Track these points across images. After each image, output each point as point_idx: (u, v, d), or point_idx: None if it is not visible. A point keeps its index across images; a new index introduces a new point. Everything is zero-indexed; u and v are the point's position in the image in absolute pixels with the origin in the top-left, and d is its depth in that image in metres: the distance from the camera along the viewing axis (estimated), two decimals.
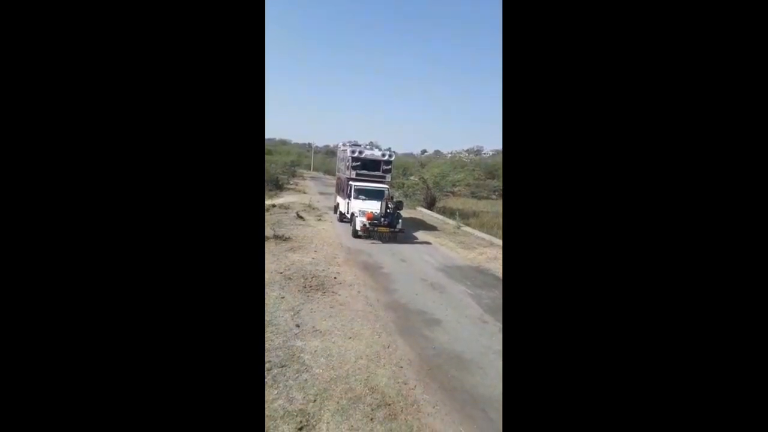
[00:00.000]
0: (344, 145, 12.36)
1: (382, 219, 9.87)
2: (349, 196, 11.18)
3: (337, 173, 14.66)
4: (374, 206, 10.24)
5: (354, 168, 11.47)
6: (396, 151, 12.12)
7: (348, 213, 11.14)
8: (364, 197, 10.88)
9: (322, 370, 3.74)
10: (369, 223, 9.69)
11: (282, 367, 3.70)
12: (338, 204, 12.58)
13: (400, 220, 10.17)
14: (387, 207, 9.99)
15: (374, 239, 9.85)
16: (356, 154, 11.48)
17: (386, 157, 11.89)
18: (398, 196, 14.76)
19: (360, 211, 10.20)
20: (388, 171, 12.02)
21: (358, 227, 9.88)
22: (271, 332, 4.34)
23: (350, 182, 11.28)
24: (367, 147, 11.98)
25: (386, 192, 11.25)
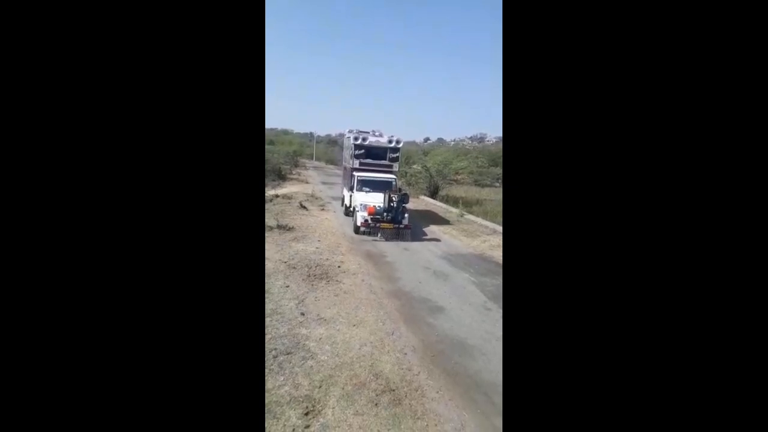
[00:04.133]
0: (349, 132, 11.26)
1: (385, 214, 8.81)
2: (351, 188, 10.16)
3: (343, 163, 13.50)
4: (380, 199, 9.05)
5: (357, 157, 10.32)
6: None
7: (351, 206, 10.14)
8: (368, 189, 9.82)
9: (327, 357, 3.80)
10: (371, 218, 8.76)
11: (288, 354, 3.75)
12: (344, 196, 11.56)
13: (406, 215, 9.07)
14: (391, 200, 8.84)
15: (376, 236, 8.90)
16: (359, 141, 10.26)
17: (393, 144, 10.57)
18: (401, 185, 14.07)
19: (361, 204, 9.15)
20: (395, 159, 10.70)
21: (358, 222, 8.95)
22: (276, 320, 4.40)
23: (354, 173, 10.23)
24: (373, 133, 10.75)
25: (393, 183, 10.06)
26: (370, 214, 8.81)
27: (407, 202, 9.29)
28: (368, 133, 10.67)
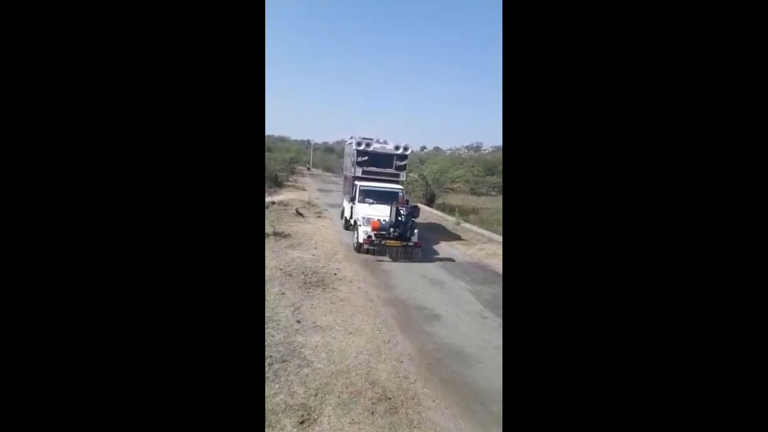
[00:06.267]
0: (351, 138, 10.09)
1: (392, 229, 7.69)
2: (353, 199, 9.07)
3: (343, 171, 12.28)
4: (385, 212, 7.96)
5: (360, 164, 9.30)
6: None
7: (352, 219, 9.07)
8: (371, 201, 8.81)
9: (323, 365, 3.77)
10: (375, 235, 7.69)
11: (283, 362, 3.72)
12: (344, 207, 10.54)
13: (415, 231, 7.89)
14: (398, 213, 7.72)
15: (381, 255, 7.90)
16: (363, 147, 9.23)
17: (400, 151, 9.49)
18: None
19: (364, 218, 8.07)
20: (402, 168, 9.64)
21: (360, 239, 7.85)
22: (272, 328, 4.36)
23: (355, 182, 9.21)
24: (377, 141, 9.73)
25: (400, 194, 8.95)
26: (374, 230, 7.73)
27: (417, 216, 8.03)
28: (372, 139, 9.69)
